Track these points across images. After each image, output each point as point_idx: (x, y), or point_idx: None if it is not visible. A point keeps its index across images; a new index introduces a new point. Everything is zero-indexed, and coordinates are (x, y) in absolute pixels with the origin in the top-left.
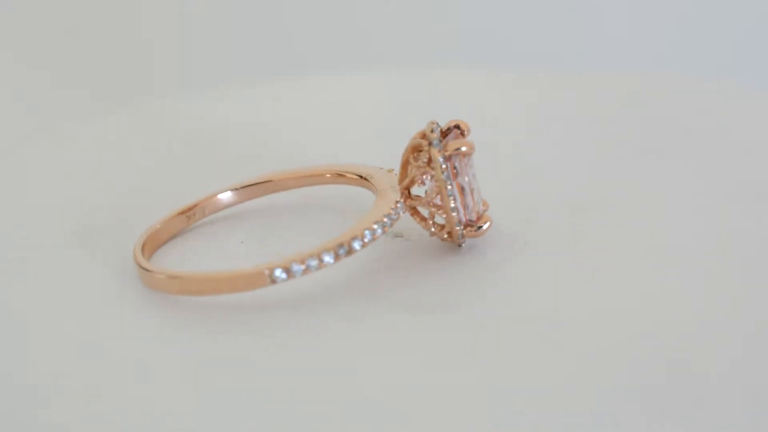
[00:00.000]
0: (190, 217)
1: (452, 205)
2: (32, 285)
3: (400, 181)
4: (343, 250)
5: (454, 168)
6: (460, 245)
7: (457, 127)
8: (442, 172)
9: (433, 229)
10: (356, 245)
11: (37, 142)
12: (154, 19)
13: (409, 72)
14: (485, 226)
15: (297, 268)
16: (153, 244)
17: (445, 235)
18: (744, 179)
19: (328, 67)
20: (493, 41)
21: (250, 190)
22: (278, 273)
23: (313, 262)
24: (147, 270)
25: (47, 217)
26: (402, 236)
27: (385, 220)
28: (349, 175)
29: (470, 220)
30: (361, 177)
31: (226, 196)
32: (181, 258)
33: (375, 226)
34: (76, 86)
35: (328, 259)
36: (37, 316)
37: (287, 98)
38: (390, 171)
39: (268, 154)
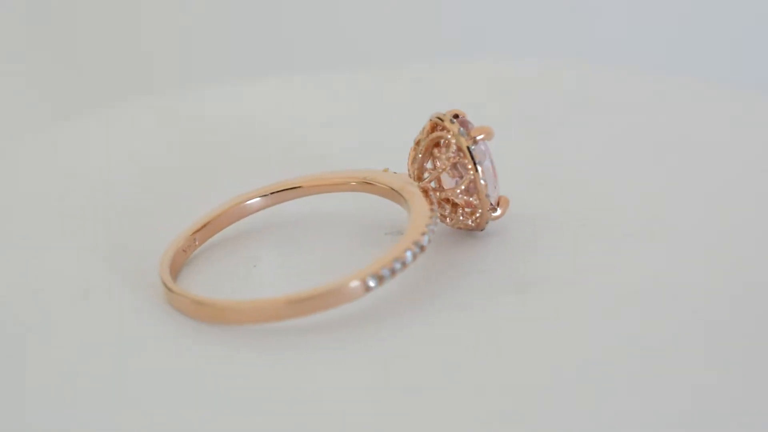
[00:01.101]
0: (186, 250)
1: (486, 192)
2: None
3: (418, 177)
4: (417, 247)
5: (479, 153)
6: (482, 230)
7: (457, 116)
8: (474, 159)
9: (461, 218)
10: (425, 241)
11: (32, 143)
12: (153, 17)
13: (405, 71)
14: (504, 209)
15: (386, 272)
16: (177, 264)
17: (471, 222)
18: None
19: (326, 66)
20: (491, 39)
21: (278, 195)
22: (371, 282)
23: (398, 265)
24: (206, 305)
25: (52, 224)
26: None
27: (434, 213)
28: (378, 185)
29: (494, 204)
30: (392, 189)
31: (254, 202)
32: (216, 284)
33: (431, 220)
34: (74, 86)
35: (408, 258)
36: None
37: (283, 97)
38: (385, 170)
39: (268, 155)
